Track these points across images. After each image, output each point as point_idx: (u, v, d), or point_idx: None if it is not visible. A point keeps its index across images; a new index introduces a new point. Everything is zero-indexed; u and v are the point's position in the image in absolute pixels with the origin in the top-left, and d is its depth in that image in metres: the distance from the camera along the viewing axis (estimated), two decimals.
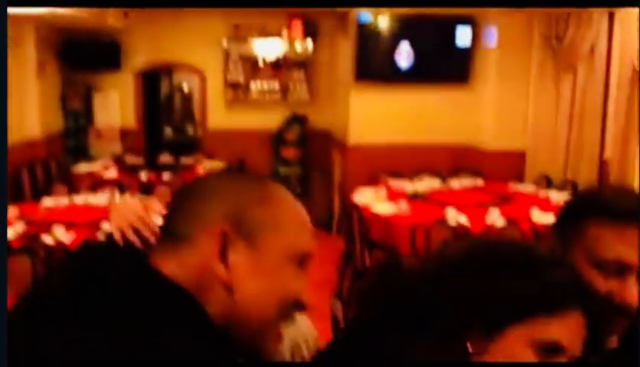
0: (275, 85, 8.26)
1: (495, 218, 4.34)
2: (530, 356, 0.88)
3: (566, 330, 0.89)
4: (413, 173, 6.08)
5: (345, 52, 6.91)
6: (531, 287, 0.89)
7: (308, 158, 8.17)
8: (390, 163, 6.35)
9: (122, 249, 0.87)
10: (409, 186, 5.59)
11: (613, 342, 1.14)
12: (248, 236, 0.81)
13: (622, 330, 1.12)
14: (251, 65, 8.14)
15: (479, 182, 5.93)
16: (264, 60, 8.08)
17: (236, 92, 8.22)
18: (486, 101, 6.49)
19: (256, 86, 8.22)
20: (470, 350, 0.89)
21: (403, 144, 6.59)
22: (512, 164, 6.32)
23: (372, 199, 5.09)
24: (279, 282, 0.83)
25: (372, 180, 6.18)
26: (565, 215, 1.18)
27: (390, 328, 0.92)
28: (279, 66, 8.17)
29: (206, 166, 6.94)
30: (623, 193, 1.17)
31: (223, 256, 0.79)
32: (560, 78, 5.98)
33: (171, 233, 0.83)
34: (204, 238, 0.80)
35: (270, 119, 8.07)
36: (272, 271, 0.82)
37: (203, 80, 8.32)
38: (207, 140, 8.33)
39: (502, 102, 6.37)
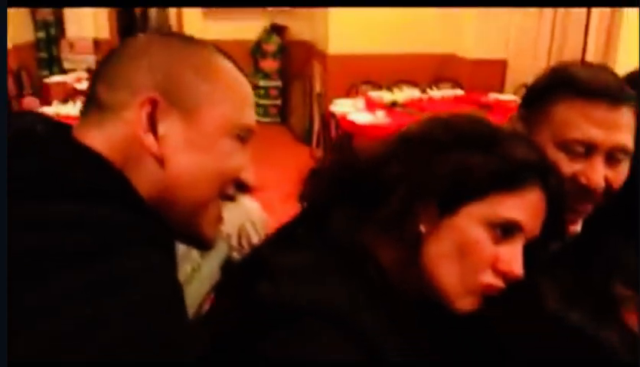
0: None
1: None
2: (484, 236, 0.84)
3: (524, 208, 0.85)
4: (392, 84, 5.96)
5: None
6: (488, 161, 0.84)
7: (288, 70, 7.98)
8: (369, 73, 6.21)
9: (50, 124, 0.80)
10: (387, 96, 5.50)
11: (575, 229, 1.11)
12: (182, 106, 0.75)
13: (585, 216, 1.09)
14: None
15: (459, 92, 5.85)
16: None
17: None
18: (467, 9, 6.29)
19: None
20: (422, 229, 0.85)
21: (383, 54, 6.42)
22: (493, 74, 6.23)
23: (350, 109, 5.01)
24: (216, 157, 0.77)
25: (351, 91, 6.06)
26: (532, 94, 1.12)
27: (341, 206, 0.87)
28: None
29: None
30: (595, 71, 1.10)
31: (153, 126, 0.73)
32: None
33: (96, 102, 0.76)
34: (131, 106, 0.73)
35: (249, 29, 7.80)
36: (209, 145, 0.76)
37: None
38: None
39: (484, 10, 6.17)
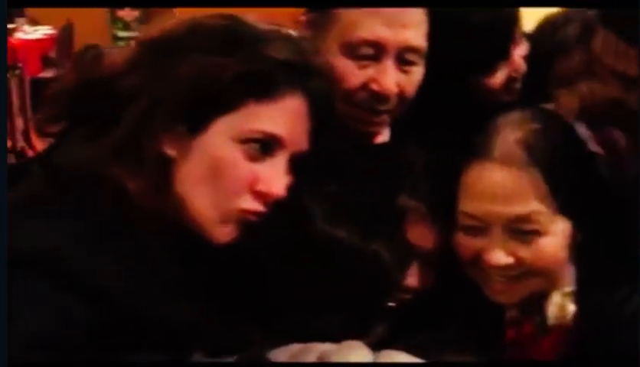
0: None
1: None
2: (238, 154, 0.71)
3: (283, 119, 0.72)
4: None
5: None
6: (237, 63, 0.71)
7: (151, 18, 7.52)
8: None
9: None
10: None
11: (383, 139, 1.02)
12: None
13: (385, 126, 1.00)
14: None
15: None
16: None
17: None
18: None
19: None
20: (169, 152, 0.71)
21: None
22: None
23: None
24: None
25: None
26: None
27: (76, 128, 0.72)
28: None
29: (27, 31, 6.16)
30: None
31: None
32: None
33: None
34: None
35: None
36: None
37: None
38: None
39: None
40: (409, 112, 0.98)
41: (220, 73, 0.70)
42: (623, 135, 0.93)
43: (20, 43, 5.55)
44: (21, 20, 6.69)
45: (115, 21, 7.39)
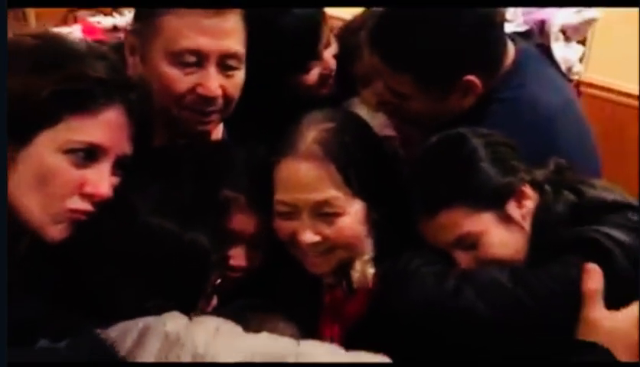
0: None
1: None
2: (63, 163, 0.79)
3: (102, 129, 0.81)
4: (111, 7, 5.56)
5: None
6: (54, 82, 0.78)
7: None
8: None
9: None
10: (108, 21, 5.13)
11: (217, 136, 1.13)
12: None
13: (217, 124, 1.11)
14: None
15: None
16: None
17: None
18: None
19: None
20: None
21: None
22: None
23: None
24: None
25: (67, 19, 5.54)
26: (141, 10, 1.07)
27: None
28: None
29: None
30: None
31: None
32: None
33: None
34: None
35: None
36: None
37: None
38: None
39: None
40: (234, 112, 1.09)
41: (37, 91, 0.77)
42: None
43: None
44: None
45: None
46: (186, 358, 0.68)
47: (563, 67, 1.27)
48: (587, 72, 2.53)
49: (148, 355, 0.69)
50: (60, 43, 0.84)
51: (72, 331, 0.77)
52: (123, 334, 0.71)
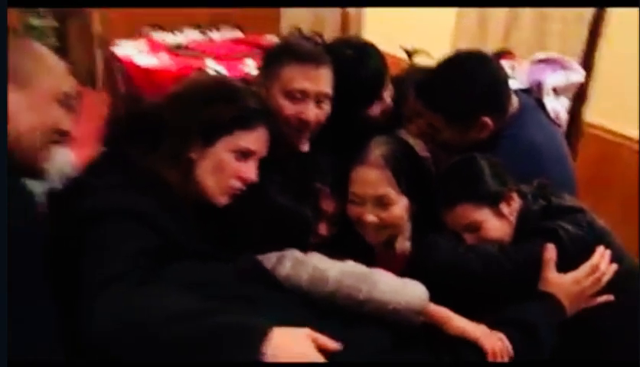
0: None
1: (251, 67, 4.77)
2: (231, 158, 1.31)
3: (254, 140, 1.34)
4: (174, 26, 6.16)
5: None
6: (231, 109, 1.31)
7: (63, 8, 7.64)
8: (151, 14, 6.33)
9: None
10: (170, 38, 5.71)
11: (304, 148, 1.64)
12: (17, 80, 1.09)
13: (308, 139, 1.62)
14: None
15: (239, 33, 6.26)
16: None
17: None
18: None
19: None
20: (193, 156, 1.30)
21: None
22: (269, 18, 6.73)
23: (134, 52, 5.15)
24: (43, 115, 1.13)
25: (134, 33, 6.14)
26: (267, 60, 1.60)
27: (135, 143, 1.27)
28: None
29: None
30: (304, 40, 1.62)
31: None
32: None
33: None
34: None
35: None
36: (39, 107, 1.12)
37: None
38: None
39: None
40: (320, 133, 1.61)
41: (222, 115, 1.30)
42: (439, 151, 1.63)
43: None
44: None
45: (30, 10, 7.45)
46: (307, 272, 1.19)
47: (552, 115, 1.77)
48: (590, 115, 3.03)
49: (284, 270, 1.21)
50: (231, 84, 1.38)
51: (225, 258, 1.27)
52: (268, 259, 1.23)
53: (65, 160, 1.49)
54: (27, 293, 0.97)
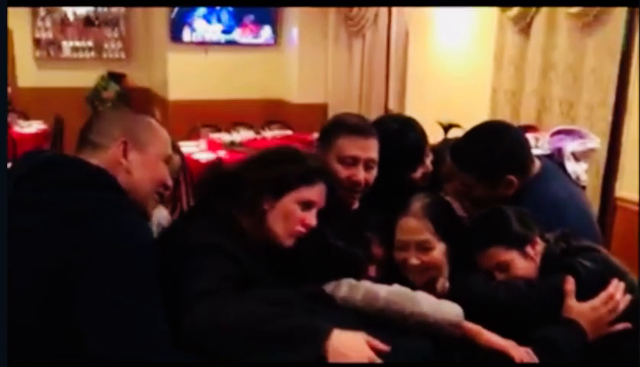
0: (89, 43, 8.31)
1: None
2: (297, 208, 1.60)
3: (315, 194, 1.62)
4: (230, 126, 6.71)
5: (159, 12, 7.25)
6: (296, 169, 1.62)
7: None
8: (208, 117, 6.92)
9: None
10: (226, 137, 6.23)
11: (355, 205, 1.92)
12: (138, 145, 1.43)
13: (358, 199, 1.90)
14: (61, 21, 8.11)
15: (288, 132, 6.76)
16: (75, 15, 8.10)
17: (47, 49, 8.14)
18: (292, 61, 7.31)
19: (67, 43, 8.20)
20: (265, 207, 1.60)
21: (219, 100, 7.20)
22: (316, 115, 7.24)
23: (194, 150, 5.64)
24: (155, 171, 1.46)
25: (192, 133, 6.70)
26: (323, 134, 1.93)
27: (219, 197, 1.59)
28: (91, 24, 8.22)
29: (22, 125, 6.86)
30: (354, 116, 1.95)
31: (125, 155, 1.40)
32: (352, 42, 7.00)
33: (90, 143, 1.41)
34: (113, 145, 1.40)
35: (85, 78, 8.12)
36: (151, 166, 1.45)
37: (9, 37, 8.05)
38: (17, 100, 8.12)
39: (305, 63, 7.24)
40: (369, 192, 1.90)
41: (289, 174, 1.61)
42: (473, 207, 1.89)
43: (18, 137, 6.05)
44: (12, 115, 7.37)
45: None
46: (361, 293, 1.44)
47: (573, 177, 2.02)
48: (621, 190, 3.23)
49: (341, 292, 1.46)
50: (295, 149, 1.70)
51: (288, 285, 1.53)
52: (326, 286, 1.49)
53: (162, 215, 1.82)
54: (155, 297, 1.26)
